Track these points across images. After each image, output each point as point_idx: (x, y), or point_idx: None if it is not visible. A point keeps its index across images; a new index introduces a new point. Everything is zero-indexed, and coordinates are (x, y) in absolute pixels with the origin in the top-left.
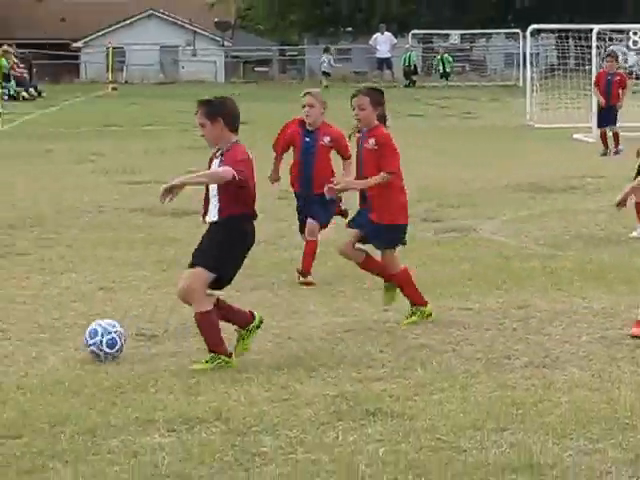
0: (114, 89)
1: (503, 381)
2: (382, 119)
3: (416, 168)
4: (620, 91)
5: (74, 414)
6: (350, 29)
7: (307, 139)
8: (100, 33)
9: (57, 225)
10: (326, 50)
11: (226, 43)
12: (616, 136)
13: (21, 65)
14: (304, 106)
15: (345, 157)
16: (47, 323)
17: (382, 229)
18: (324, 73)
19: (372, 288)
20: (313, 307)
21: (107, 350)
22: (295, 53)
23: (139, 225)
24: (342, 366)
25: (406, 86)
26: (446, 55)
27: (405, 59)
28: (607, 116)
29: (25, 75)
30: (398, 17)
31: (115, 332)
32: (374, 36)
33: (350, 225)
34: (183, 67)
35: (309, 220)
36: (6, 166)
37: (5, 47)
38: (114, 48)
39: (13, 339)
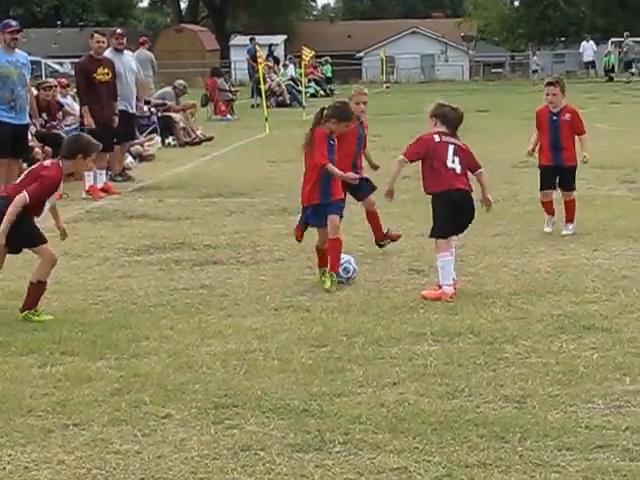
0: (387, 87)
1: None
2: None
3: (617, 142)
4: None
5: (364, 328)
6: (564, 39)
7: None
8: (376, 46)
9: None
10: (534, 54)
11: (470, 51)
12: None
13: (317, 70)
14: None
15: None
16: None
17: None
18: (534, 71)
19: (584, 233)
20: (542, 248)
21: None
22: (522, 58)
23: (408, 188)
24: (564, 292)
25: (606, 81)
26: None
27: (606, 61)
28: None
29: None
30: (600, 29)
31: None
32: (582, 44)
33: None
34: (438, 70)
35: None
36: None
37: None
38: (387, 56)
39: (317, 274)
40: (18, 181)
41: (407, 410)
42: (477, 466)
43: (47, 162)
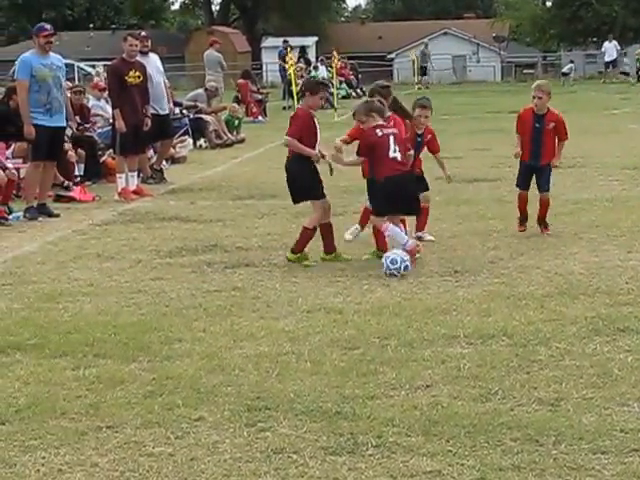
0: (419, 88)
1: None
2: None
3: None
4: None
5: (397, 331)
6: (595, 39)
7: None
8: (408, 47)
9: None
10: (571, 61)
11: (502, 52)
12: None
13: (350, 72)
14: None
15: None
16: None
17: None
18: (563, 74)
19: (617, 235)
20: (575, 250)
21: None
22: (554, 58)
23: (441, 190)
24: (597, 294)
25: (637, 82)
26: None
27: (638, 60)
28: None
29: (353, 79)
30: (633, 28)
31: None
32: (604, 44)
33: None
34: (470, 71)
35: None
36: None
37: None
38: (422, 54)
39: (349, 276)
40: None
41: (440, 413)
42: (511, 469)
43: None
